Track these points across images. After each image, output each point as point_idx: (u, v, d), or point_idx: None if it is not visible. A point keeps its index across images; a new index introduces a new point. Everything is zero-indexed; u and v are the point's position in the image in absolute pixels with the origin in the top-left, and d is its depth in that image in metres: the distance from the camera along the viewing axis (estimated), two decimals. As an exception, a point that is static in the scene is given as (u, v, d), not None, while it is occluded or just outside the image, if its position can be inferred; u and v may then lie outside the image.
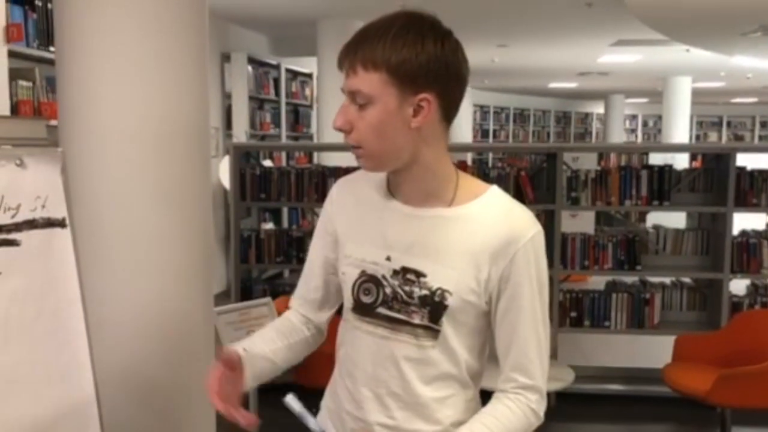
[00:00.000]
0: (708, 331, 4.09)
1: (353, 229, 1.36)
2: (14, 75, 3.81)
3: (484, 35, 8.36)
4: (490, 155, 13.19)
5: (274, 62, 7.93)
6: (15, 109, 3.83)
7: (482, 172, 4.25)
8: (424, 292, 1.26)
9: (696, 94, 13.86)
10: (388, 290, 1.29)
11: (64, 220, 1.51)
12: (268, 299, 3.26)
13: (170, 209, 2.13)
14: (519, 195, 4.18)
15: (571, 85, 14.91)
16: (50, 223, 1.49)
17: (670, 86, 13.23)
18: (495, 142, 16.18)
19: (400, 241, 1.29)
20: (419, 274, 1.27)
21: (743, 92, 15.86)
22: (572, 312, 4.24)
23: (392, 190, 1.34)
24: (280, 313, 3.19)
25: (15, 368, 1.43)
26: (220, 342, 2.82)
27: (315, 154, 7.48)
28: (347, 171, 4.69)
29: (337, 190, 1.45)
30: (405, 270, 1.28)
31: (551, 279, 4.25)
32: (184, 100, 2.16)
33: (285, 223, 7.52)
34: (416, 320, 1.27)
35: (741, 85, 13.94)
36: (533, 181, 4.24)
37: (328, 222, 1.43)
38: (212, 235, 2.38)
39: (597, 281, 4.91)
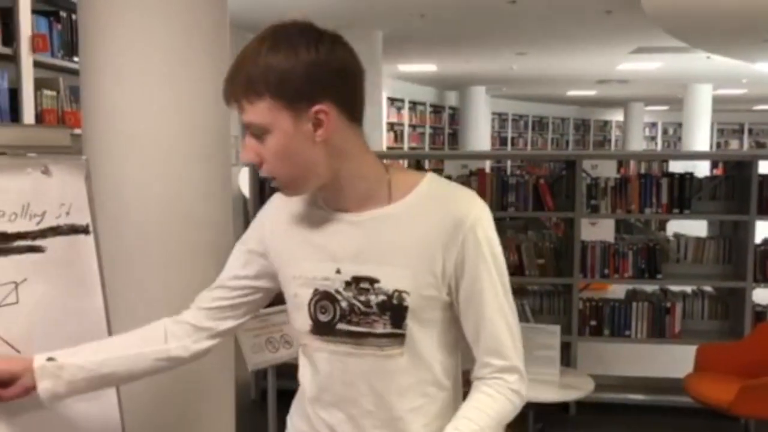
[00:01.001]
0: (730, 341, 4.04)
1: (295, 249, 1.29)
2: (39, 85, 3.88)
3: (503, 43, 8.36)
4: (509, 163, 13.16)
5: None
6: (39, 118, 3.89)
7: (501, 179, 4.24)
8: (381, 297, 1.21)
9: (717, 101, 13.76)
10: (344, 304, 1.23)
11: (87, 226, 1.53)
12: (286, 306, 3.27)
13: (191, 217, 2.15)
14: (538, 202, 4.18)
15: (590, 92, 14.85)
16: (74, 230, 1.51)
17: (691, 94, 13.14)
18: (513, 149, 16.14)
19: (346, 250, 1.23)
20: (372, 281, 1.21)
21: (766, 99, 15.69)
22: (592, 320, 4.21)
23: (326, 202, 1.28)
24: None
25: (39, 373, 1.45)
26: (240, 349, 2.84)
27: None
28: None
29: (267, 212, 1.37)
30: (357, 279, 1.22)
31: (570, 287, 4.24)
32: (205, 110, 2.18)
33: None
34: (379, 329, 1.22)
35: (763, 92, 13.80)
36: (552, 188, 4.22)
37: (257, 242, 1.36)
38: (233, 244, 2.40)
39: (617, 290, 4.88)
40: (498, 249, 1.24)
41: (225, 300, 1.40)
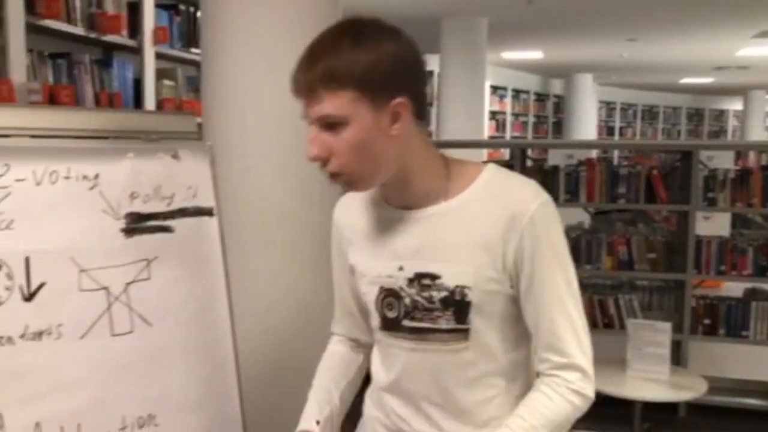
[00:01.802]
0: None
1: (363, 248, 1.30)
2: (159, 75, 4.10)
3: (612, 29, 8.06)
4: (616, 153, 12.70)
5: (396, 60, 8.04)
6: (159, 106, 4.11)
7: (611, 170, 4.11)
8: (443, 293, 1.20)
9: None
10: (407, 301, 1.23)
11: (212, 209, 1.61)
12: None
13: (306, 203, 2.21)
14: (650, 194, 4.02)
15: (706, 80, 14.07)
16: (200, 212, 1.59)
17: (820, 80, 12.18)
18: (621, 139, 15.55)
19: (408, 247, 1.23)
20: (434, 277, 1.21)
21: None
22: (705, 319, 4.01)
23: (388, 199, 1.27)
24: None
25: (166, 346, 1.55)
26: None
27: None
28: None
29: (338, 211, 1.39)
30: (419, 276, 1.22)
31: (683, 283, 4.06)
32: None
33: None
34: (443, 325, 1.21)
35: None
36: (666, 180, 4.04)
37: (339, 247, 1.39)
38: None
39: (732, 287, 4.62)
40: (561, 243, 1.21)
41: (355, 310, 1.41)
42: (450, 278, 1.20)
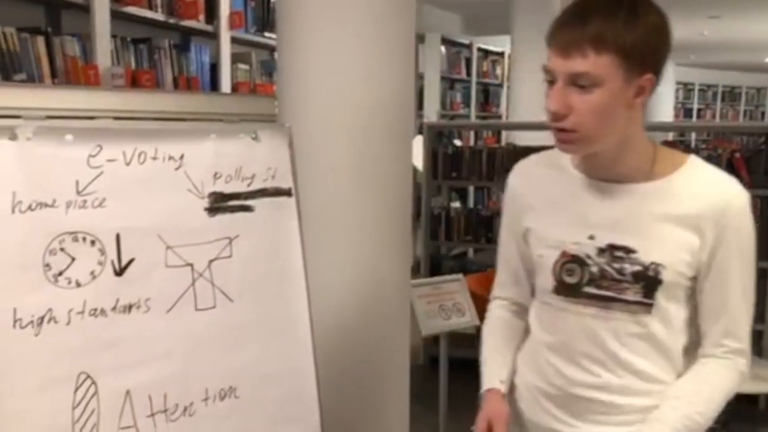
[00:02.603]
0: None
1: (545, 212, 1.35)
2: (234, 59, 4.19)
3: (693, 6, 7.73)
4: (693, 136, 12.23)
5: (466, 42, 7.95)
6: (234, 90, 4.21)
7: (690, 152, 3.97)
8: (637, 267, 1.25)
9: None
10: (594, 269, 1.28)
11: (290, 190, 1.65)
12: (460, 276, 3.32)
13: (379, 184, 2.24)
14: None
15: (794, 58, 13.35)
16: (279, 192, 1.63)
17: None
18: (699, 121, 14.96)
19: (604, 218, 1.27)
20: (629, 251, 1.25)
21: None
22: (790, 309, 3.84)
23: (587, 169, 1.32)
24: (471, 291, 3.23)
25: (246, 322, 1.60)
26: (415, 313, 2.93)
27: (503, 134, 7.42)
28: (539, 150, 4.61)
29: (516, 177, 1.45)
30: (612, 247, 1.27)
31: (766, 271, 3.88)
32: (391, 81, 2.25)
33: (471, 203, 7.57)
34: (629, 297, 1.27)
35: None
36: (749, 163, 3.88)
37: (514, 210, 1.43)
38: (410, 211, 2.47)
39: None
40: (753, 238, 1.28)
41: (520, 272, 1.47)
42: (646, 254, 1.25)
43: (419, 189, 4.67)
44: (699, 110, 15.54)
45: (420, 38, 7.24)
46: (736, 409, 3.49)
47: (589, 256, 1.28)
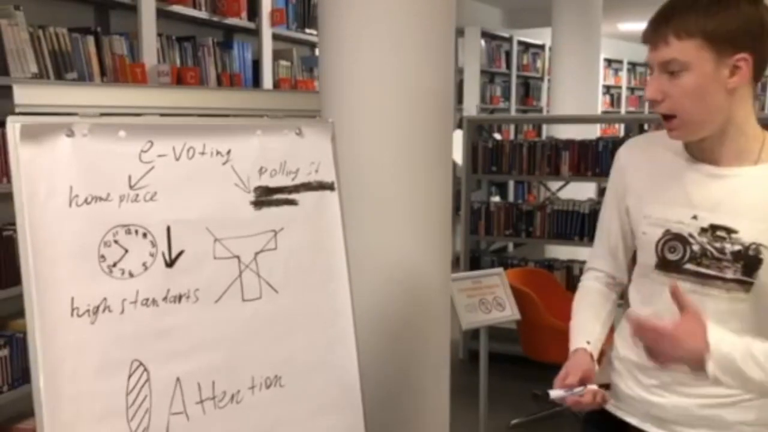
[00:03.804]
0: None
1: (650, 190, 1.40)
2: (276, 56, 4.25)
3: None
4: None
5: (506, 35, 7.90)
6: (276, 86, 4.27)
7: None
8: (737, 247, 1.29)
9: None
10: (696, 247, 1.32)
11: (333, 183, 1.68)
12: (500, 270, 3.32)
13: (420, 178, 2.26)
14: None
15: None
16: (322, 186, 1.67)
17: None
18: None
19: (707, 199, 1.32)
20: (730, 231, 1.29)
21: None
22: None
23: (694, 151, 1.36)
24: (512, 286, 3.23)
25: (291, 313, 1.64)
26: (455, 307, 2.95)
27: (543, 127, 7.36)
28: (581, 144, 4.59)
29: (626, 153, 1.49)
30: (714, 227, 1.31)
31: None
32: (431, 77, 2.27)
33: (511, 197, 7.53)
34: (728, 275, 1.30)
35: None
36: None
37: (619, 186, 1.48)
38: (450, 205, 2.49)
39: None
40: None
41: (617, 249, 1.52)
42: (747, 234, 1.29)
43: (459, 183, 4.67)
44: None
45: (459, 32, 7.22)
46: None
47: (691, 235, 1.33)
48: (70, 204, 1.36)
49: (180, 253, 1.49)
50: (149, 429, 1.43)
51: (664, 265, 1.37)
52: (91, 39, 3.04)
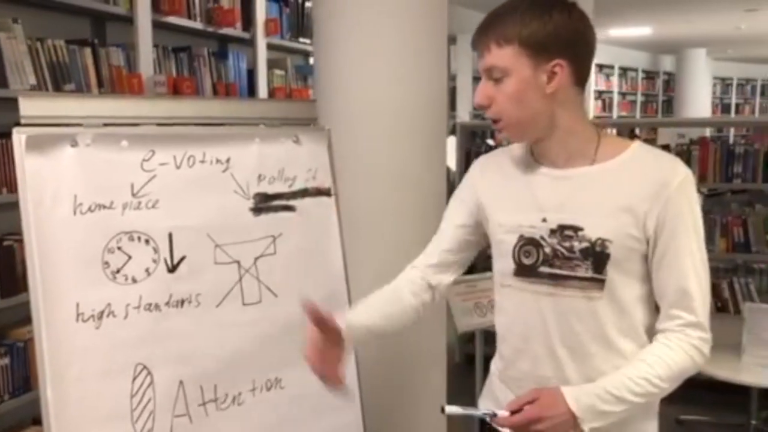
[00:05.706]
0: None
1: (502, 200, 1.44)
2: (270, 65, 4.29)
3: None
4: (731, 132, 12.02)
5: (498, 42, 7.96)
6: (271, 95, 4.31)
7: (726, 149, 3.95)
8: (584, 244, 1.32)
9: None
10: (547, 249, 1.35)
11: (330, 189, 1.73)
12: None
13: (415, 184, 2.29)
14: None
15: (836, 50, 13.02)
16: (319, 192, 1.71)
17: None
18: (737, 117, 14.67)
19: (552, 201, 1.35)
20: (577, 229, 1.33)
21: None
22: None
23: (537, 157, 1.40)
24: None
25: (290, 316, 1.67)
26: (451, 310, 2.98)
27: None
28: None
29: (479, 167, 1.53)
30: (562, 227, 1.34)
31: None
32: (426, 84, 2.31)
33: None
34: (581, 273, 1.32)
35: None
36: (788, 159, 3.84)
37: (470, 193, 1.51)
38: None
39: None
40: (698, 212, 1.31)
41: (449, 253, 1.54)
42: (592, 230, 1.31)
43: (453, 188, 4.70)
44: (737, 105, 15.24)
45: (452, 39, 7.28)
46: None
47: (543, 238, 1.36)
48: (74, 212, 1.40)
49: (182, 259, 1.52)
50: (153, 431, 1.46)
51: (521, 270, 1.39)
52: (88, 50, 3.07)
